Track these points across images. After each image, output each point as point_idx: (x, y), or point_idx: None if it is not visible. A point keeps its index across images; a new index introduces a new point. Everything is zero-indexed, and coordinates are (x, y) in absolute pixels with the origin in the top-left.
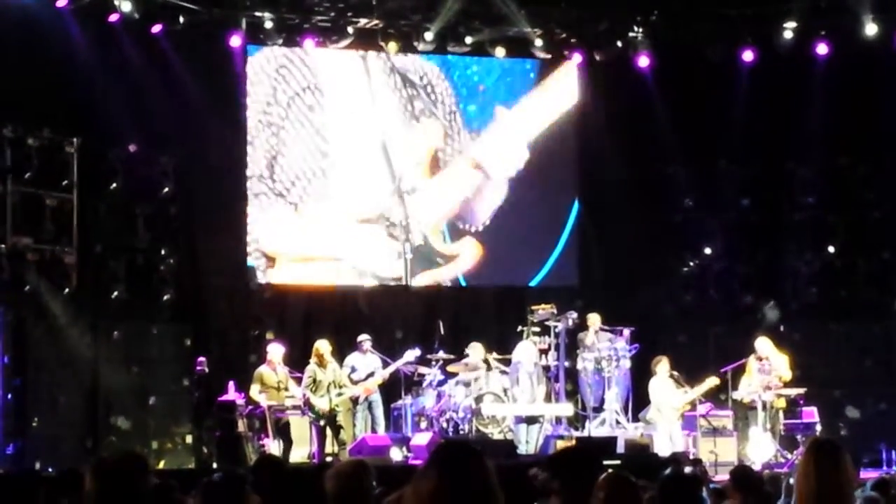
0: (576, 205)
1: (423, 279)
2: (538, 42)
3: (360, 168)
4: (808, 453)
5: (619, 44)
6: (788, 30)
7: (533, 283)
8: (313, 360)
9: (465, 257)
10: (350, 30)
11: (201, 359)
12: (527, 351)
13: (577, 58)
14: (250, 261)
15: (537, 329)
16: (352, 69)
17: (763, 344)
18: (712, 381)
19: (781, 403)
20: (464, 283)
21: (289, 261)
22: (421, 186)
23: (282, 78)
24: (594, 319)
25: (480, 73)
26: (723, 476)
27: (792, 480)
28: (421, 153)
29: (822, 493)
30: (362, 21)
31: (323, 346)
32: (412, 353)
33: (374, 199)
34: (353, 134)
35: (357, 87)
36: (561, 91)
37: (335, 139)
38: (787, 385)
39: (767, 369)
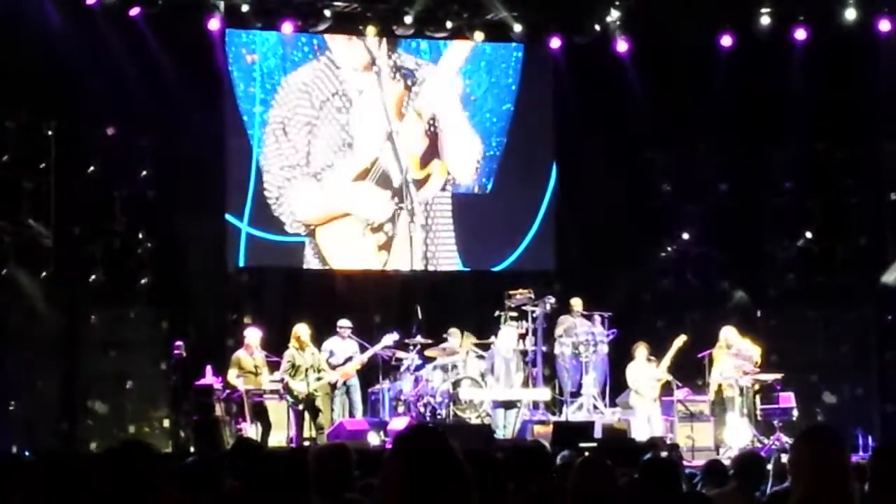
0: (551, 183)
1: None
2: (517, 27)
3: (373, 157)
4: (808, 443)
5: (598, 28)
6: (767, 15)
7: (504, 266)
8: (292, 344)
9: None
10: (328, 13)
11: (179, 343)
12: (507, 337)
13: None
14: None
15: (514, 314)
16: (368, 80)
17: (729, 333)
18: (681, 340)
19: (757, 387)
20: (463, 267)
21: (320, 225)
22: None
23: (315, 87)
24: (577, 304)
25: (472, 85)
26: (700, 461)
27: (770, 466)
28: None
29: (824, 485)
30: (341, 4)
31: (302, 330)
32: (390, 338)
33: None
34: (368, 132)
35: (373, 95)
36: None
37: (356, 135)
38: (758, 366)
39: (743, 355)
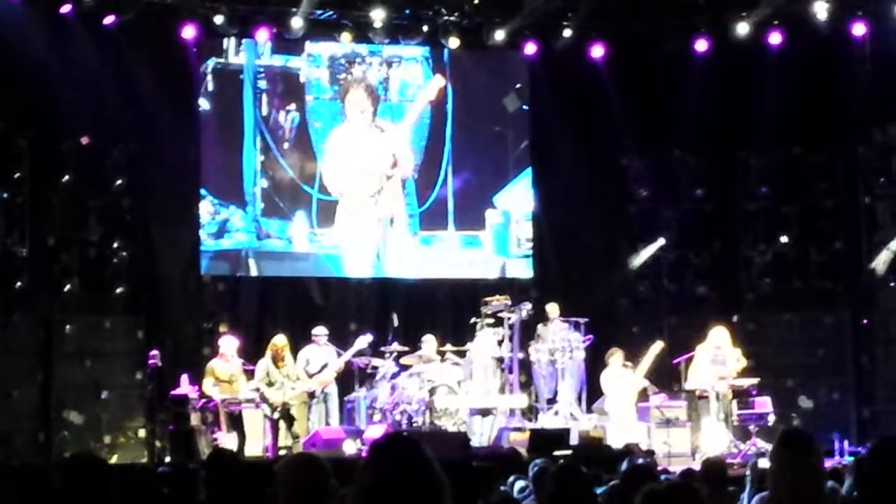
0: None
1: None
2: (497, 34)
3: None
4: (781, 446)
5: (572, 32)
6: (742, 19)
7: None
8: (269, 354)
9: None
10: (300, 21)
11: (154, 352)
12: (484, 343)
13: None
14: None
15: (491, 321)
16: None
17: (719, 334)
18: (658, 346)
19: (730, 394)
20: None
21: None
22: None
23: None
24: (553, 309)
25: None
26: (676, 467)
27: (748, 471)
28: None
29: (798, 486)
30: (315, 11)
31: (279, 340)
32: (364, 340)
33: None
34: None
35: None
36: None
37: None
38: (740, 375)
39: (721, 360)
